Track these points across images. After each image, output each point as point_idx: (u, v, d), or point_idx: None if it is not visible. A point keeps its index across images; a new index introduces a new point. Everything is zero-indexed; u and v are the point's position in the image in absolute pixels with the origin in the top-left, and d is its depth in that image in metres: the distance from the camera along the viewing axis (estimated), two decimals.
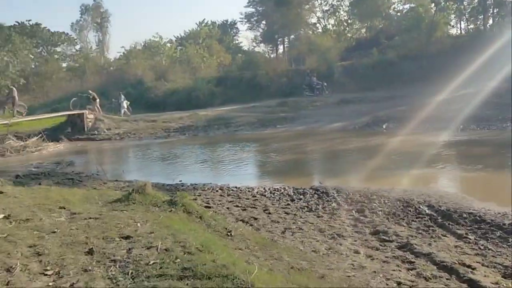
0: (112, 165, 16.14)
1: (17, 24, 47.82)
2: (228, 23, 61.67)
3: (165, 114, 28.42)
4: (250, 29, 57.90)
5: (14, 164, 16.33)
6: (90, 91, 27.73)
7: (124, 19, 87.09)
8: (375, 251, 5.78)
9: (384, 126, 20.59)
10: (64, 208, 5.94)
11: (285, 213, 7.95)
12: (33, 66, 45.07)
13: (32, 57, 46.07)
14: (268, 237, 6.22)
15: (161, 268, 3.72)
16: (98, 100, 26.70)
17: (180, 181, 11.83)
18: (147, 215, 5.68)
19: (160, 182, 11.48)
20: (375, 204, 8.33)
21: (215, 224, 5.99)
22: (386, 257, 5.52)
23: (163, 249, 4.18)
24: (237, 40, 61.38)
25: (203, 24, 57.18)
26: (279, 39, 55.05)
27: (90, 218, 5.35)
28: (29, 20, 49.16)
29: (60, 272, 3.64)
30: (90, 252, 4.11)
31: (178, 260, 3.89)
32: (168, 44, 50.77)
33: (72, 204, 6.32)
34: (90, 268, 3.72)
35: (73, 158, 17.13)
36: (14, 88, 18.56)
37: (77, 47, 52.10)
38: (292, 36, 52.97)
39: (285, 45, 54.53)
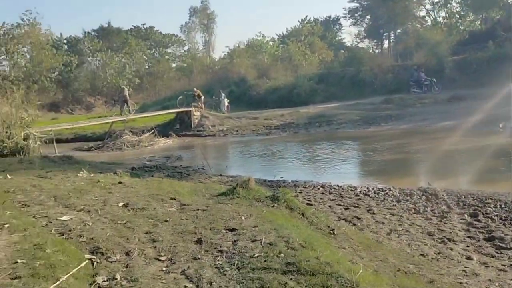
0: (216, 160, 16.78)
1: (133, 28, 51.81)
2: (331, 19, 60.96)
3: (267, 112, 28.85)
4: (354, 25, 56.82)
5: (129, 157, 17.74)
6: (195, 89, 29.07)
7: (229, 20, 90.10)
8: (490, 258, 5.35)
9: (500, 126, 18.88)
10: (175, 199, 6.32)
11: (391, 214, 7.66)
12: (146, 67, 48.49)
13: (146, 58, 49.60)
14: (373, 238, 6.04)
15: (265, 261, 3.78)
16: (202, 97, 27.86)
17: (281, 177, 11.94)
18: (250, 209, 5.82)
19: (261, 178, 11.69)
20: (490, 209, 7.70)
21: (317, 222, 5.95)
22: (503, 265, 5.09)
23: (267, 243, 4.25)
24: (340, 36, 60.54)
25: (305, 22, 57.16)
26: (385, 34, 53.26)
27: (198, 209, 5.62)
28: (144, 24, 53.05)
29: (172, 258, 3.87)
30: (199, 241, 4.32)
31: (282, 254, 3.93)
32: (271, 43, 51.54)
33: (181, 195, 6.70)
34: (199, 256, 3.90)
35: (181, 153, 18.13)
36: (125, 88, 20.14)
37: (186, 48, 55.13)
38: (399, 31, 50.89)
39: (391, 40, 52.61)
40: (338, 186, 10.37)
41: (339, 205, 8.35)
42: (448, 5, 44.92)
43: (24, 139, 12.11)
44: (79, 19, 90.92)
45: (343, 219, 7.13)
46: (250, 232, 4.63)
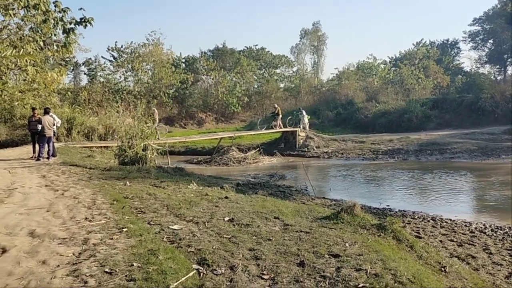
0: (319, 182, 16.61)
1: (245, 48, 53.85)
2: (449, 42, 57.84)
3: (374, 136, 28.09)
4: (474, 49, 53.36)
5: (235, 173, 18.29)
6: (276, 105, 28.83)
7: (340, 41, 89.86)
8: None
9: None
10: (278, 218, 6.34)
11: (510, 255, 6.92)
12: (255, 86, 50.00)
13: (256, 78, 51.18)
14: (489, 280, 5.50)
15: None
16: (280, 115, 27.27)
17: (388, 205, 11.45)
18: (355, 236, 5.63)
19: (366, 204, 11.32)
20: None
21: (427, 257, 5.57)
22: None
23: (373, 274, 4.07)
24: (458, 60, 57.10)
25: (420, 44, 54.95)
26: (509, 60, 49.19)
27: (301, 231, 5.57)
28: (256, 45, 54.88)
29: (275, 278, 3.86)
30: (302, 264, 4.26)
31: (388, 287, 3.73)
32: (382, 65, 50.29)
33: (285, 215, 6.70)
34: (301, 279, 3.85)
35: (284, 172, 18.27)
36: (155, 110, 20.36)
37: (294, 68, 55.83)
38: None
39: None
40: (450, 220, 9.66)
41: (452, 240, 7.75)
42: None
43: (143, 150, 13.07)
44: (197, 40, 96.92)
45: (456, 256, 6.59)
46: (354, 260, 4.47)
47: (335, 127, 34.96)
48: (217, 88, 43.97)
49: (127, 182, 8.60)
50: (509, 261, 6.67)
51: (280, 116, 27.25)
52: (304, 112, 27.68)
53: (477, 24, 51.77)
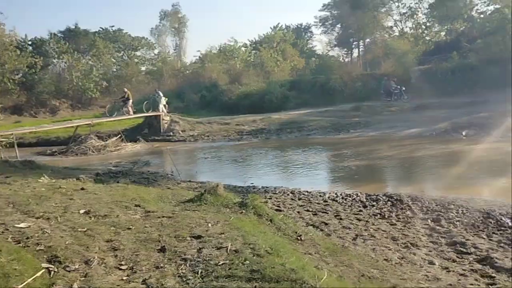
0: (185, 165, 16.59)
1: (101, 30, 50.79)
2: (302, 27, 61.51)
3: (239, 117, 28.83)
4: (325, 33, 57.57)
5: (95, 162, 17.35)
6: (125, 89, 27.48)
7: (201, 24, 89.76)
8: (451, 263, 5.45)
9: (463, 133, 19.44)
10: (139, 206, 6.17)
11: (357, 219, 7.72)
12: (114, 70, 47.58)
13: (114, 61, 48.72)
14: (339, 243, 6.06)
15: (230, 269, 3.72)
16: (131, 100, 25.99)
17: (252, 183, 11.90)
18: (218, 216, 5.75)
19: (231, 184, 11.62)
20: (452, 214, 7.87)
21: (285, 228, 5.93)
22: (464, 270, 5.19)
23: (233, 250, 4.19)
24: (311, 44, 61.06)
25: (277, 28, 57.46)
26: (354, 43, 54.11)
27: (163, 216, 5.51)
28: (112, 26, 52.08)
29: (134, 267, 3.76)
30: (162, 249, 4.21)
31: (247, 261, 3.88)
32: (243, 48, 51.56)
33: (147, 202, 6.56)
34: (161, 265, 3.81)
35: (149, 158, 17.87)
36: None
37: (156, 51, 54.29)
38: (368, 40, 51.83)
39: (360, 49, 53.51)
40: (307, 192, 10.40)
41: (308, 210, 8.37)
42: (415, 16, 46.02)
43: None
44: (45, 21, 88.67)
45: (311, 225, 7.14)
46: (216, 239, 4.56)
47: (200, 110, 35.06)
48: (71, 73, 40.66)
49: None
50: (356, 224, 7.42)
51: (131, 100, 25.91)
52: (161, 94, 26.75)
53: (326, 10, 55.75)
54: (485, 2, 41.81)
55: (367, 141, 20.21)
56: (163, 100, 26.38)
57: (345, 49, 56.11)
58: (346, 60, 54.41)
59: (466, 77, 32.54)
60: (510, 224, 7.20)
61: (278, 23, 59.30)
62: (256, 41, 54.56)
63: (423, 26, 45.62)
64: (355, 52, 55.43)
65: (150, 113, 25.98)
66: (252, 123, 26.68)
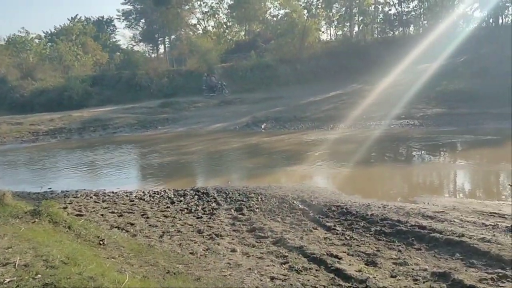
0: None
1: None
2: (104, 20, 58.88)
3: (33, 116, 26.11)
4: (129, 27, 56.23)
5: None
6: None
7: None
8: (251, 248, 5.86)
9: (262, 126, 21.24)
10: None
11: (164, 216, 7.74)
12: None
13: None
14: (145, 243, 5.98)
15: (17, 286, 3.35)
16: None
17: (49, 188, 10.93)
18: (5, 228, 5.15)
19: (25, 190, 10.51)
20: (253, 202, 8.50)
21: (86, 233, 5.62)
22: (261, 253, 5.63)
23: (22, 265, 3.81)
24: (115, 38, 58.95)
25: (76, 20, 53.77)
26: (160, 39, 54.09)
27: None
28: None
29: None
30: None
31: (39, 275, 3.56)
32: (37, 40, 46.82)
33: None
34: None
35: None
36: None
37: None
38: (173, 36, 52.42)
39: (166, 45, 53.71)
40: (113, 192, 10.01)
41: (113, 212, 8.05)
42: (217, 15, 48.30)
43: None
44: None
45: (116, 227, 6.88)
46: (1, 255, 4.08)
47: None
48: None
49: None
50: (163, 221, 7.43)
51: None
52: None
53: (129, 3, 54.38)
54: (276, 6, 46.29)
55: (175, 137, 20.47)
56: None
57: (151, 45, 55.71)
58: (153, 55, 54.09)
59: (263, 74, 35.74)
60: (300, 206, 8.12)
61: (77, 15, 55.68)
62: (52, 33, 50.28)
63: (225, 26, 48.14)
64: (161, 48, 55.55)
65: None
66: (50, 122, 24.46)
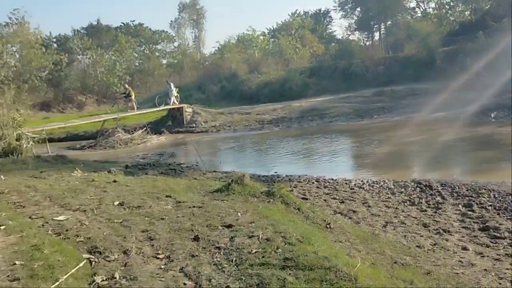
0: (209, 156, 16.73)
1: (122, 25, 51.34)
2: (321, 12, 60.82)
3: (259, 106, 28.83)
4: (344, 17, 56.66)
5: (123, 155, 17.64)
6: (126, 85, 27.76)
7: (219, 15, 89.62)
8: (485, 248, 5.39)
9: (492, 115, 19.03)
10: (170, 197, 6.29)
11: (386, 206, 7.69)
12: (136, 64, 48.07)
13: (136, 55, 49.21)
14: (369, 231, 6.07)
15: (263, 257, 3.77)
16: (133, 96, 26.04)
17: (275, 172, 11.95)
18: (246, 205, 5.81)
19: (255, 173, 11.69)
20: (484, 199, 7.76)
21: (314, 216, 5.96)
22: (498, 254, 5.13)
23: (264, 239, 4.24)
24: (331, 29, 60.39)
25: (295, 15, 56.99)
26: (375, 26, 53.24)
27: (194, 206, 5.60)
28: (133, 21, 52.60)
29: (170, 256, 3.85)
30: (196, 238, 4.30)
31: (280, 250, 3.93)
32: (261, 37, 51.34)
33: (176, 193, 6.67)
34: (197, 253, 3.89)
35: (174, 150, 18.08)
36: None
37: (176, 44, 54.63)
38: (389, 22, 50.92)
39: (381, 32, 52.63)
40: (332, 179, 10.39)
41: (334, 198, 8.37)
42: None
43: (17, 140, 11.99)
44: (68, 17, 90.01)
45: (339, 213, 7.15)
46: (246, 228, 4.62)
47: (221, 101, 35.15)
48: (96, 68, 41.38)
49: (1, 176, 7.85)
50: (385, 211, 7.40)
51: (133, 96, 25.93)
52: (172, 86, 26.75)
53: None
54: None
55: (391, 126, 19.98)
56: (174, 92, 26.40)
57: (366, 33, 55.27)
58: (368, 43, 53.65)
59: (494, 57, 31.77)
60: None
61: (296, 10, 58.83)
62: (274, 29, 54.28)
63: (447, 6, 44.54)
64: (377, 36, 54.63)
65: (162, 108, 25.99)
66: (273, 112, 26.66)
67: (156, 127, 24.50)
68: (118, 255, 3.84)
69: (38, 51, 38.02)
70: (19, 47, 39.03)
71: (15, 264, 3.50)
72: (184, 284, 3.29)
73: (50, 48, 40.81)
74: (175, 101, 26.26)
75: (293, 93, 33.20)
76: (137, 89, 41.63)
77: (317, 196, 8.67)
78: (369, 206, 7.69)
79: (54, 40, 44.21)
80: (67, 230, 4.44)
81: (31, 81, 36.79)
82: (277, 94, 33.43)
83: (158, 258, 3.82)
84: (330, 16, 60.92)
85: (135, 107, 25.59)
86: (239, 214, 5.21)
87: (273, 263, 3.63)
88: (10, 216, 5.03)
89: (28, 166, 9.65)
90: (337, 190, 9.18)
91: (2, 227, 4.52)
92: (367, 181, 9.93)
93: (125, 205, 5.58)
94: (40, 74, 37.93)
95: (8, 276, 3.29)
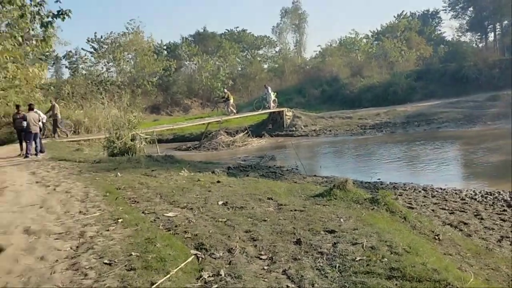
0: (309, 160, 16.68)
1: (227, 31, 53.36)
2: (429, 13, 57.80)
3: (361, 111, 28.18)
4: (455, 18, 53.28)
5: (225, 157, 18.30)
6: (225, 90, 28.20)
7: (320, 18, 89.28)
8: None
9: None
10: (272, 199, 6.38)
11: (501, 219, 7.07)
12: (239, 69, 49.64)
13: (239, 60, 50.80)
14: (482, 245, 5.62)
15: (367, 265, 3.68)
16: (231, 100, 26.01)
17: (379, 179, 11.57)
18: (349, 211, 5.71)
19: (357, 179, 11.40)
20: None
21: (421, 226, 5.68)
22: None
23: (369, 247, 4.13)
24: (439, 30, 57.12)
25: (401, 17, 54.82)
26: (489, 26, 49.41)
27: (295, 210, 5.63)
28: (237, 27, 54.39)
29: (273, 257, 3.91)
30: (298, 242, 4.31)
31: (385, 259, 3.80)
32: (364, 40, 50.18)
33: (278, 195, 6.75)
34: (299, 257, 3.90)
35: (274, 153, 18.32)
36: (55, 104, 18.98)
37: (277, 48, 55.42)
38: (505, 22, 46.89)
39: (497, 33, 48.68)
40: (441, 189, 9.81)
41: (443, 209, 7.88)
42: None
43: (132, 140, 12.99)
44: (178, 26, 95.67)
45: (448, 224, 6.72)
46: (350, 235, 4.54)
47: (321, 105, 34.96)
48: (201, 73, 43.51)
49: (118, 173, 8.57)
50: (500, 225, 6.81)
51: (231, 101, 26.08)
52: (269, 90, 26.92)
53: None
54: None
55: (507, 133, 18.34)
56: (272, 96, 26.63)
57: (479, 34, 51.46)
58: (480, 45, 49.90)
59: None
60: None
61: (402, 11, 56.53)
62: (379, 32, 52.72)
63: None
64: (491, 36, 50.63)
65: (260, 111, 26.33)
66: (376, 117, 25.88)
67: (256, 130, 25.07)
68: (223, 253, 3.98)
69: (151, 58, 41.10)
70: (134, 55, 42.50)
71: (131, 255, 3.80)
72: (287, 286, 3.32)
73: (161, 55, 43.84)
74: (273, 105, 26.59)
75: (398, 97, 31.97)
76: (239, 93, 43.10)
77: (424, 205, 8.23)
78: (482, 219, 7.11)
79: (165, 47, 47.34)
80: (176, 226, 4.71)
81: (144, 85, 39.84)
82: (381, 98, 32.44)
83: (261, 258, 3.89)
84: (439, 17, 57.66)
85: (235, 111, 26.35)
86: (341, 220, 5.13)
87: (379, 272, 3.52)
88: (126, 210, 5.47)
89: (140, 164, 10.41)
90: (446, 200, 8.64)
91: (120, 220, 4.93)
92: (480, 192, 9.21)
93: (228, 205, 5.77)
94: (152, 79, 40.92)
95: (125, 265, 3.57)
